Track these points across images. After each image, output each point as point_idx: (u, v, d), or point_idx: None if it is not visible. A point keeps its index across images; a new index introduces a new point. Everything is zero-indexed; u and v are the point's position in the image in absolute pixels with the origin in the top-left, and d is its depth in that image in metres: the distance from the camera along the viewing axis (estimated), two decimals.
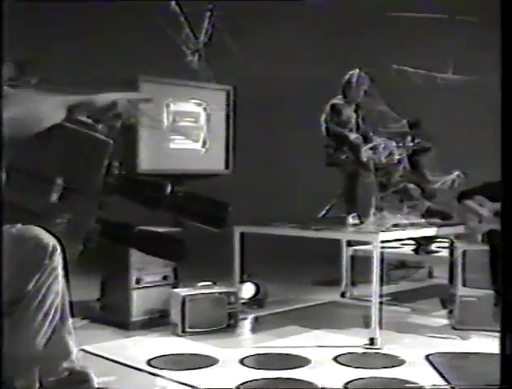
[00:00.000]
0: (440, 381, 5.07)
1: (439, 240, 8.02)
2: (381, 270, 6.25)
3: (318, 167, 7.04)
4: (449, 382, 5.02)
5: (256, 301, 7.36)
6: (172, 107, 6.91)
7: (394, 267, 8.90)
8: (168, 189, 3.27)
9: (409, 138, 6.98)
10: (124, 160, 3.20)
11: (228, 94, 7.42)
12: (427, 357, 5.63)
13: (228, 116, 7.40)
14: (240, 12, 8.83)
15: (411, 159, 7.25)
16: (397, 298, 8.00)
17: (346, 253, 8.13)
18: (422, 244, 7.82)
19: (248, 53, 9.20)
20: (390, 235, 6.35)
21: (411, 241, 8.20)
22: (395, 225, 6.43)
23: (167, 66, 7.69)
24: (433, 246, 7.96)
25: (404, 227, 6.53)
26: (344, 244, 8.06)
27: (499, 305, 6.41)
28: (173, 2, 9.23)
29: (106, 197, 3.13)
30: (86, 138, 3.05)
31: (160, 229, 4.72)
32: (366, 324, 6.78)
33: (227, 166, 7.46)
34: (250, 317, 6.86)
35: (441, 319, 7.03)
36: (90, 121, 3.06)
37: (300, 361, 5.50)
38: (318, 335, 6.42)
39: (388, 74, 7.44)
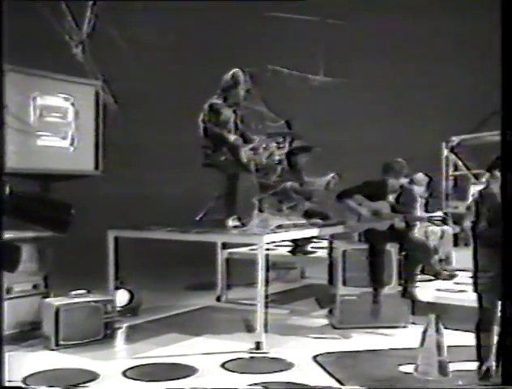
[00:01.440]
0: (331, 381, 5.15)
1: (315, 240, 8.18)
2: (267, 272, 6.24)
3: (195, 168, 6.92)
4: (341, 382, 5.11)
5: (130, 309, 7.12)
6: (39, 101, 6.51)
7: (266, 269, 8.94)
8: (7, 190, 3.01)
9: (288, 139, 7.05)
10: None
11: (98, 89, 7.12)
12: (315, 358, 5.72)
13: (97, 112, 7.10)
14: (123, 2, 8.51)
15: (290, 160, 7.33)
16: (273, 300, 8.04)
17: (221, 256, 8.07)
18: (299, 245, 7.92)
19: (129, 47, 8.88)
20: (275, 236, 6.37)
21: (285, 243, 8.29)
22: (279, 226, 6.46)
23: (50, 58, 7.21)
24: (309, 247, 8.09)
25: (288, 228, 6.58)
26: (219, 247, 8.00)
27: (377, 302, 6.67)
28: None
29: None
30: None
31: None
32: (248, 328, 6.81)
33: (96, 167, 7.16)
34: (125, 326, 6.62)
35: (320, 319, 7.18)
36: None
37: (187, 370, 5.38)
38: (201, 341, 6.31)
39: (265, 74, 7.46)
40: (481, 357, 5.08)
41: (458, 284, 7.59)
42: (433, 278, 7.66)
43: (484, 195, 4.86)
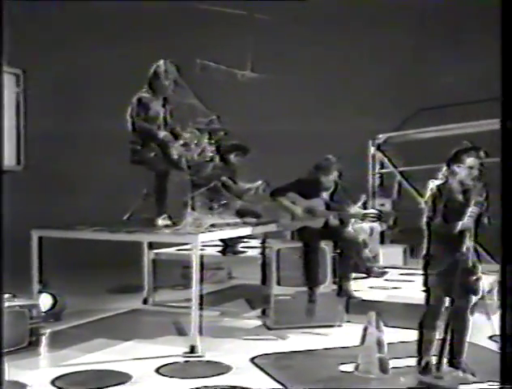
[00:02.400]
0: (272, 383, 5.11)
1: (245, 240, 8.11)
2: (201, 272, 6.14)
3: (123, 165, 6.71)
4: (282, 384, 5.07)
5: (52, 314, 6.84)
6: None
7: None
8: None
9: (221, 135, 6.95)
10: None
11: (17, 78, 6.79)
12: (252, 360, 5.65)
13: (18, 103, 6.78)
14: None
15: (223, 157, 7.24)
16: (202, 302, 7.94)
17: (148, 257, 7.88)
18: (229, 245, 7.84)
19: (46, 35, 8.55)
20: (209, 236, 6.26)
21: (214, 243, 8.19)
22: (213, 225, 6.35)
23: None
24: (240, 247, 8.02)
25: (222, 227, 6.49)
26: (146, 247, 7.81)
27: (313, 301, 6.67)
28: None
29: None
30: None
31: None
32: (179, 331, 6.69)
33: (18, 162, 6.83)
34: (49, 332, 6.35)
35: (253, 321, 7.12)
36: None
37: (121, 377, 5.21)
38: (131, 346, 6.14)
39: (192, 68, 7.33)
40: (421, 352, 5.17)
41: (388, 281, 7.71)
42: (364, 275, 7.74)
43: (442, 190, 4.92)
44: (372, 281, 7.59)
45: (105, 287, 8.78)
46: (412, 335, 5.83)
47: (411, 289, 7.10)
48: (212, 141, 6.73)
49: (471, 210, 4.85)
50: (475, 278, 5.03)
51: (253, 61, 8.48)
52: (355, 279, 7.48)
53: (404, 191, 10.26)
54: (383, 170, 10.49)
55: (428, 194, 5.00)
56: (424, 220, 4.99)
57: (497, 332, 5.40)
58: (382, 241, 9.11)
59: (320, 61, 10.07)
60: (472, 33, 9.83)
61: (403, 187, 10.27)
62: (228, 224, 6.63)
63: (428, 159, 10.00)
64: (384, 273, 7.95)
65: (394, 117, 10.21)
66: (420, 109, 9.95)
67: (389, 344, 5.31)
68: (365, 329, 5.29)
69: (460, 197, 4.96)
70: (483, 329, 5.88)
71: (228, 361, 5.59)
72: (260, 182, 7.26)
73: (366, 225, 8.42)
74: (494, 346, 5.90)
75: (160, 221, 6.57)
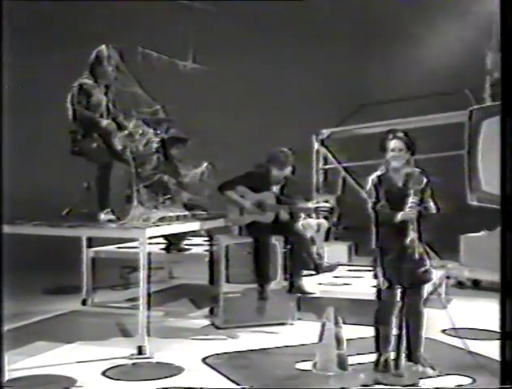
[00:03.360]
0: (227, 383, 4.96)
1: (189, 237, 7.92)
2: (149, 270, 5.94)
3: (63, 156, 6.42)
4: (237, 384, 4.93)
5: None
6: None
7: (133, 270, 8.56)
8: None
9: (165, 126, 6.73)
10: None
11: None
12: (204, 361, 5.49)
13: None
14: None
15: (165, 150, 7.03)
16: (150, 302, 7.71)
17: (86, 255, 7.58)
18: (173, 242, 7.62)
19: None
20: (158, 230, 6.05)
21: (156, 240, 7.97)
22: (162, 219, 6.14)
23: None
24: (184, 244, 7.81)
25: (170, 221, 6.27)
26: (85, 245, 7.52)
27: (263, 298, 6.55)
28: None
29: None
30: None
31: None
32: (123, 332, 6.46)
33: None
34: None
35: (200, 320, 6.95)
36: None
37: (65, 382, 4.96)
38: (74, 349, 5.87)
39: (135, 56, 7.08)
40: (379, 349, 5.12)
41: (336, 277, 7.66)
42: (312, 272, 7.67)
43: (382, 180, 5.00)
44: (321, 278, 7.53)
45: (40, 288, 8.43)
46: (369, 332, 5.86)
47: (361, 285, 7.09)
48: (157, 132, 6.50)
49: (411, 200, 4.84)
50: (424, 269, 5.01)
51: (195, 51, 8.27)
52: (305, 275, 7.43)
53: (349, 187, 10.26)
54: (327, 166, 10.47)
55: (368, 184, 5.02)
56: (370, 205, 4.98)
57: (456, 325, 5.46)
58: (327, 238, 9.04)
59: (264, 55, 9.97)
60: (411, 29, 9.92)
61: (347, 183, 10.27)
62: (177, 218, 6.42)
63: (372, 154, 10.14)
64: (333, 269, 7.88)
65: (338, 113, 10.20)
66: (361, 105, 9.98)
67: (347, 340, 5.24)
68: (323, 325, 5.19)
69: (400, 183, 4.98)
70: (435, 323, 5.96)
71: (178, 362, 5.41)
72: (205, 165, 7.05)
73: (313, 221, 8.36)
74: (448, 339, 5.96)
75: (103, 216, 6.31)
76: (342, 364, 5.14)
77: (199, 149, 7.40)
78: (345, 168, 10.23)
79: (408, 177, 4.95)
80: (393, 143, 4.96)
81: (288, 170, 6.76)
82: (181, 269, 9.31)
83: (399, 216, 4.85)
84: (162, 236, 7.63)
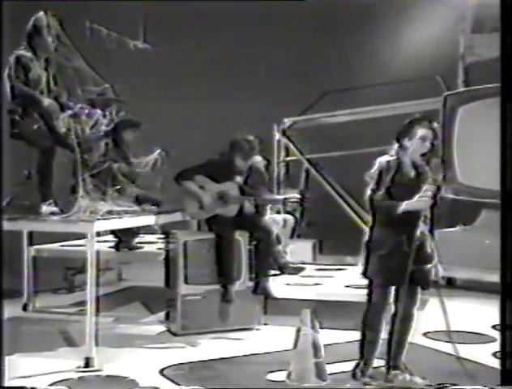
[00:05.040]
0: None
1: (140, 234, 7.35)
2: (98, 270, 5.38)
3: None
4: None
5: None
6: None
7: (78, 271, 7.96)
8: None
9: (115, 108, 6.12)
10: None
11: None
12: (162, 372, 4.95)
13: None
14: None
15: (115, 135, 6.44)
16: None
17: (27, 254, 6.93)
18: (124, 239, 7.02)
19: None
20: (107, 224, 5.46)
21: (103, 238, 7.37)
22: (110, 212, 5.54)
23: None
24: (135, 241, 7.23)
25: (120, 214, 5.68)
26: (25, 242, 6.86)
27: (227, 301, 6.03)
28: None
29: None
30: None
31: None
32: (69, 342, 5.88)
33: None
34: None
35: (155, 326, 6.38)
36: None
37: None
38: (14, 361, 5.18)
39: (82, 30, 6.51)
40: (364, 355, 4.67)
41: (304, 277, 7.20)
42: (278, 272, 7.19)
43: (392, 165, 4.47)
44: (288, 278, 7.06)
45: None
46: (346, 336, 5.43)
47: (333, 285, 6.64)
48: (106, 113, 5.89)
49: (426, 188, 4.37)
50: (428, 267, 4.57)
51: (145, 31, 7.73)
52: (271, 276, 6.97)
53: (312, 181, 9.80)
54: (289, 158, 9.97)
55: (374, 168, 4.52)
56: (368, 193, 4.49)
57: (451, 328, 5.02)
58: (292, 236, 8.57)
59: (225, 39, 9.49)
60: (378, 13, 9.56)
61: (310, 176, 9.81)
62: (126, 212, 5.83)
63: (338, 145, 9.76)
64: (301, 269, 7.42)
65: (301, 101, 9.74)
66: (324, 93, 9.54)
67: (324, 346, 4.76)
68: (298, 330, 4.70)
69: (412, 174, 4.49)
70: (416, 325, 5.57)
71: (131, 375, 4.84)
72: (157, 152, 6.49)
73: (279, 216, 7.92)
74: (429, 343, 5.64)
75: (45, 208, 5.65)
76: (320, 373, 4.66)
77: (152, 135, 6.87)
78: (308, 160, 9.74)
79: (425, 166, 4.48)
80: (425, 132, 4.46)
81: (253, 160, 6.24)
82: (131, 270, 8.71)
83: (404, 205, 4.35)
84: (111, 233, 7.06)
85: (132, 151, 6.83)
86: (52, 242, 7.39)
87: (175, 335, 6.01)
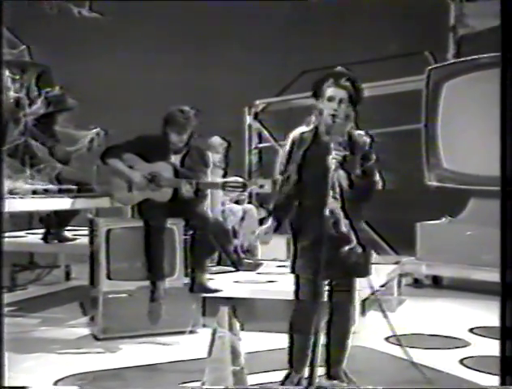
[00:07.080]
0: None
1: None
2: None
3: None
4: None
5: None
6: None
7: (22, 268, 7.39)
8: None
9: (34, 72, 5.50)
10: None
11: None
12: (57, 383, 4.32)
13: None
14: None
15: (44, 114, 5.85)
16: (21, 308, 6.50)
17: None
18: (52, 230, 6.41)
19: None
20: (22, 203, 4.86)
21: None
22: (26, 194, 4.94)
23: None
24: (65, 232, 6.62)
25: (25, 194, 5.07)
26: None
27: (157, 300, 5.39)
28: None
29: None
30: None
31: None
32: None
33: None
34: None
35: (80, 329, 5.76)
36: None
37: None
38: None
39: None
40: (292, 364, 4.00)
41: (261, 274, 6.58)
42: (232, 269, 6.57)
43: (305, 138, 3.91)
44: (241, 275, 6.43)
45: None
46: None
47: (287, 283, 5.97)
48: (15, 76, 5.27)
49: (333, 155, 3.65)
50: (355, 257, 3.85)
51: None
52: (219, 272, 6.35)
53: None
54: (261, 144, 9.32)
55: (287, 143, 3.90)
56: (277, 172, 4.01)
57: (396, 332, 4.38)
58: None
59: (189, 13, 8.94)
60: None
61: None
62: (42, 192, 5.21)
63: None
64: (258, 266, 6.79)
65: (276, 81, 9.13)
66: (302, 72, 8.89)
67: (249, 353, 4.08)
68: (214, 333, 4.03)
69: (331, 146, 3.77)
70: (377, 330, 4.97)
71: (28, 383, 4.22)
72: (94, 131, 5.88)
73: (238, 207, 7.30)
74: (392, 349, 4.98)
75: None
76: (239, 384, 3.99)
77: (88, 110, 6.27)
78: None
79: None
80: (332, 91, 3.78)
81: (188, 135, 5.58)
82: (82, 268, 8.10)
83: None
84: (40, 221, 6.47)
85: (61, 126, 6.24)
86: None
87: (97, 339, 5.37)
